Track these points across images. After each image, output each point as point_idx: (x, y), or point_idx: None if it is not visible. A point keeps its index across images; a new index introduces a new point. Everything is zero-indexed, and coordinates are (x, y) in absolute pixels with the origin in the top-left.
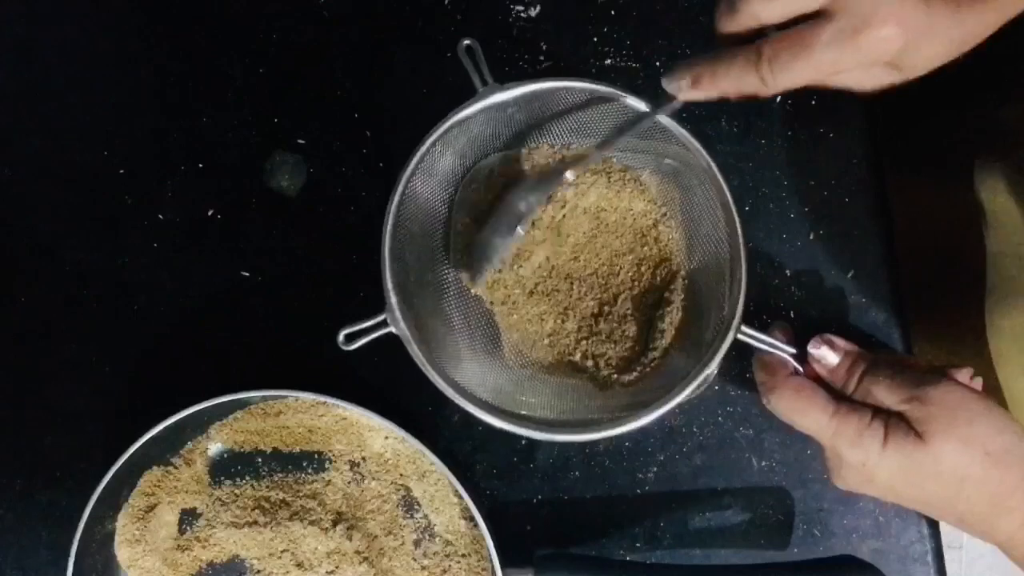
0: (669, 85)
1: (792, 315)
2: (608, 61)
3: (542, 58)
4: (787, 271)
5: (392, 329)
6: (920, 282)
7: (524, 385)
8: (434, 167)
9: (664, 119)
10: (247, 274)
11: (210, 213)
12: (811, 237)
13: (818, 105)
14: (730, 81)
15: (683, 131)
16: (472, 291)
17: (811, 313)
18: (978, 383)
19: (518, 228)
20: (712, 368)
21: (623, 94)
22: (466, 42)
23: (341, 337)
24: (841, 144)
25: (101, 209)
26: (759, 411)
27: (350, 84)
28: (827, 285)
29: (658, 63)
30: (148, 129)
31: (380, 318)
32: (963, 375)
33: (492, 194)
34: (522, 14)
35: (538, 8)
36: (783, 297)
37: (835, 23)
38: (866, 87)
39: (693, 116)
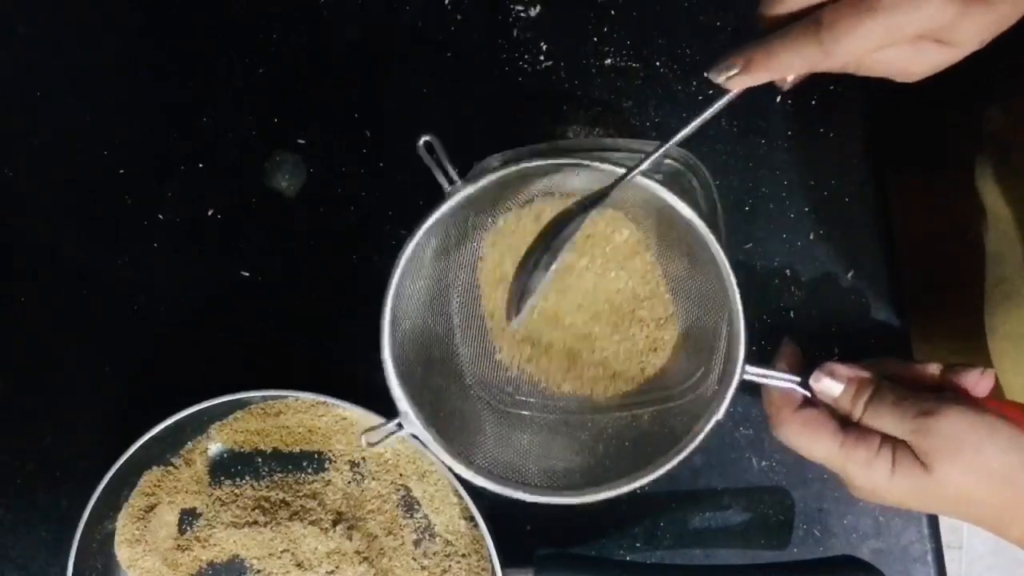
0: (717, 76)
1: (792, 315)
2: (608, 61)
3: (542, 58)
4: (787, 271)
5: (409, 431)
6: (920, 282)
7: (547, 436)
8: (417, 258)
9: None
10: (247, 274)
11: (210, 213)
12: (811, 237)
13: (818, 105)
14: (787, 57)
15: (660, 187)
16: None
17: (811, 313)
18: (989, 377)
19: (556, 262)
20: (720, 415)
21: (598, 165)
22: (424, 139)
23: (363, 441)
24: (841, 144)
25: (101, 209)
26: (759, 411)
27: (350, 84)
28: (827, 285)
29: (658, 63)
30: (148, 129)
31: (395, 422)
32: (971, 377)
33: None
34: (522, 14)
35: (538, 8)
36: (783, 297)
37: None
38: (917, 70)
39: (693, 116)
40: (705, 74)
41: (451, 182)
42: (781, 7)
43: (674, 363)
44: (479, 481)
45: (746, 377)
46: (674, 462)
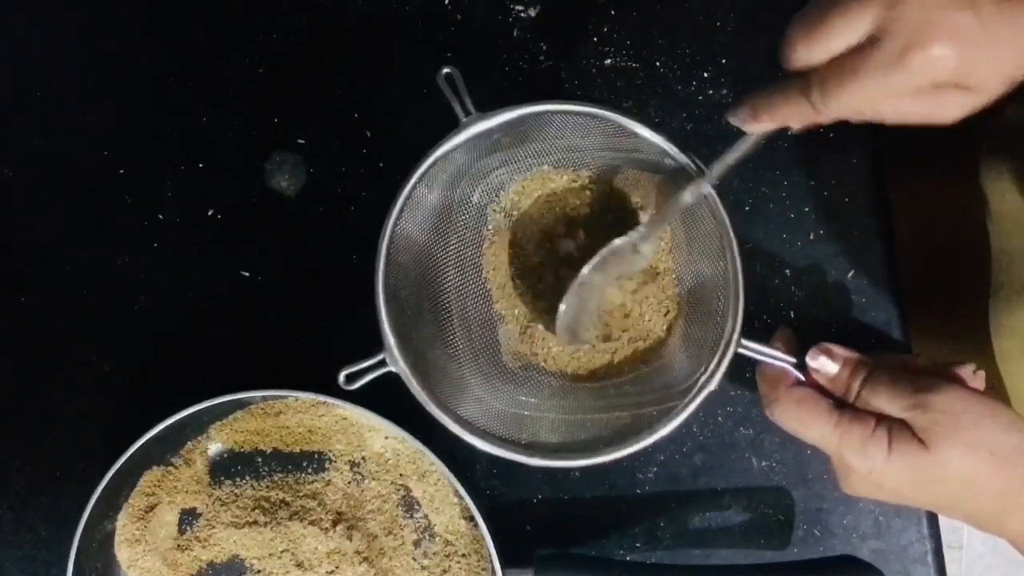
0: (733, 120)
1: (792, 315)
2: (608, 61)
3: (542, 58)
4: (787, 271)
5: (392, 368)
6: (920, 281)
7: (528, 407)
8: (421, 203)
9: (653, 138)
10: (247, 274)
11: (210, 213)
12: (811, 237)
13: None
14: (785, 110)
15: (671, 146)
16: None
17: (811, 313)
18: (981, 378)
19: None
20: (714, 385)
21: (603, 112)
22: (445, 70)
23: (342, 378)
24: (841, 144)
25: (101, 209)
26: (759, 411)
27: (350, 84)
28: (827, 285)
29: (658, 63)
30: (148, 129)
31: (379, 357)
32: (966, 372)
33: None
34: (522, 14)
35: (538, 8)
36: (783, 297)
37: (882, 46)
38: (943, 116)
39: (693, 116)
40: (725, 116)
41: (467, 113)
42: (794, 64)
43: (674, 354)
44: (461, 432)
45: (741, 351)
46: (667, 430)
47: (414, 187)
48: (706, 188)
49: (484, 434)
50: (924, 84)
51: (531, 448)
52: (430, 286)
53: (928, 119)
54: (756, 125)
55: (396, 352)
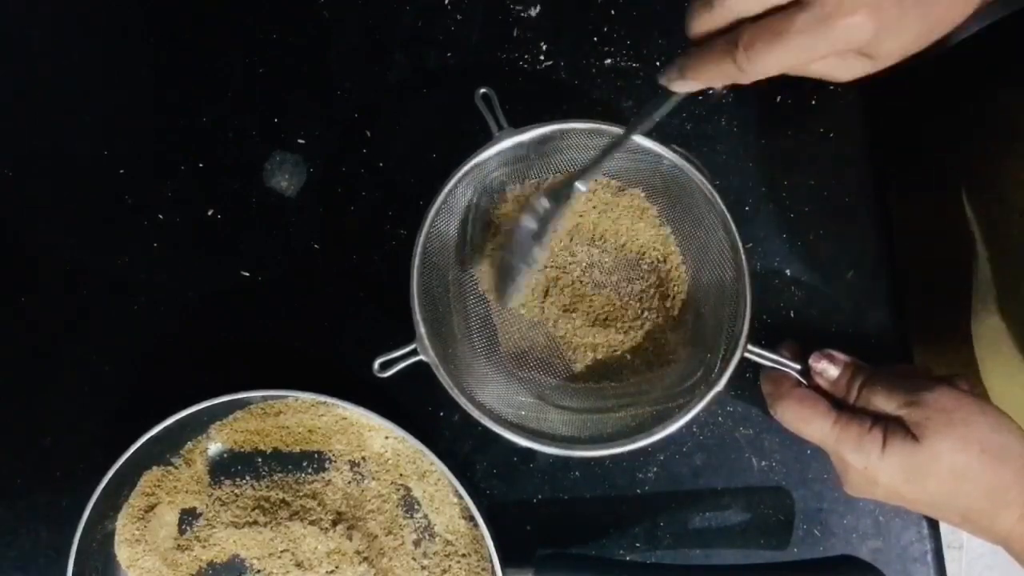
0: (662, 78)
1: (792, 315)
2: (608, 61)
3: (542, 58)
4: (787, 271)
5: (423, 357)
6: (919, 283)
7: (544, 401)
8: (455, 206)
9: (660, 148)
10: (247, 274)
11: (210, 213)
12: (811, 237)
13: (818, 105)
14: (711, 70)
15: (678, 158)
16: (506, 308)
17: (811, 313)
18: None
19: (535, 251)
20: (720, 386)
21: (641, 140)
22: (482, 90)
23: (376, 366)
24: (841, 144)
25: (101, 209)
26: (759, 411)
27: (350, 84)
28: (827, 285)
29: (658, 63)
30: (148, 129)
31: (411, 347)
32: (963, 385)
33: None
34: (522, 14)
35: (538, 8)
36: (783, 297)
37: (808, 11)
38: (840, 77)
39: (693, 116)
40: (657, 77)
41: (500, 127)
42: (707, 24)
43: (681, 356)
44: (485, 420)
45: (748, 355)
46: (672, 428)
47: (450, 191)
48: (628, 139)
49: (506, 423)
50: (840, 50)
51: (549, 438)
52: (458, 289)
53: (826, 77)
54: (683, 85)
55: (427, 342)
